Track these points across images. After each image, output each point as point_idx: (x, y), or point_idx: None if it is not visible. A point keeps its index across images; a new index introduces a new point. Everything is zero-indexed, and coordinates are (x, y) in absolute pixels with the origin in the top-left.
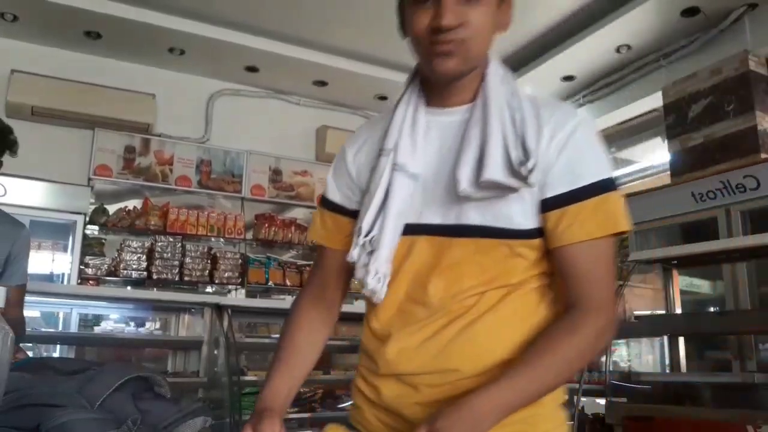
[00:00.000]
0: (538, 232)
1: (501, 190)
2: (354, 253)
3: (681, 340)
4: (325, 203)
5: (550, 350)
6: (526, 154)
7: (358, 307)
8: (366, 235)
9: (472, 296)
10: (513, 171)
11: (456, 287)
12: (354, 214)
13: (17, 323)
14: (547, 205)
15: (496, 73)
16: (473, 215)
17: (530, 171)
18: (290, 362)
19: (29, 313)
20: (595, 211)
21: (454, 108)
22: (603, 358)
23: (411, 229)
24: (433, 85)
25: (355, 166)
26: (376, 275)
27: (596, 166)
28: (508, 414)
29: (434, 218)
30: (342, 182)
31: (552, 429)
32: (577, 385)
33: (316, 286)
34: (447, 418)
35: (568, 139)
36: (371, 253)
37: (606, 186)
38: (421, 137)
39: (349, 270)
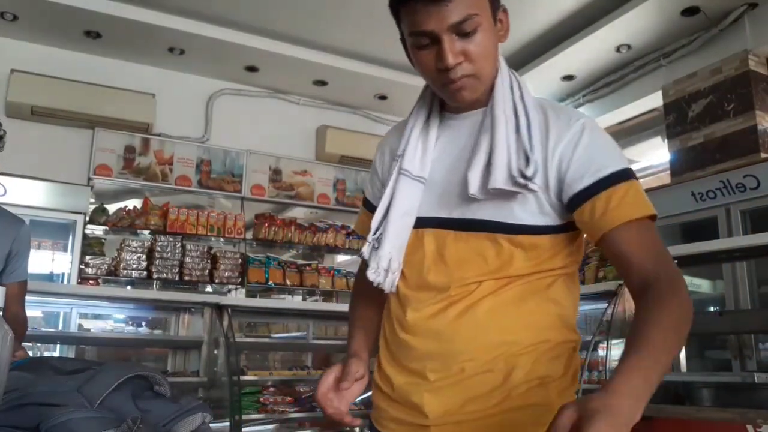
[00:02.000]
0: (547, 229)
1: (506, 194)
2: (364, 250)
3: None
4: (364, 202)
5: (659, 323)
6: (527, 160)
7: None
8: (374, 234)
9: (472, 283)
10: (515, 179)
11: (457, 275)
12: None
13: (18, 321)
14: (577, 201)
15: (504, 80)
16: (479, 211)
17: (530, 178)
18: (365, 327)
19: (29, 313)
20: (625, 196)
21: (468, 112)
22: (603, 358)
23: (421, 223)
24: None
25: (381, 166)
26: (377, 269)
27: (613, 158)
28: (653, 391)
29: (443, 212)
30: (373, 181)
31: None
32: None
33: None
34: (595, 402)
35: (579, 138)
36: (377, 249)
37: (628, 175)
38: (433, 141)
39: None
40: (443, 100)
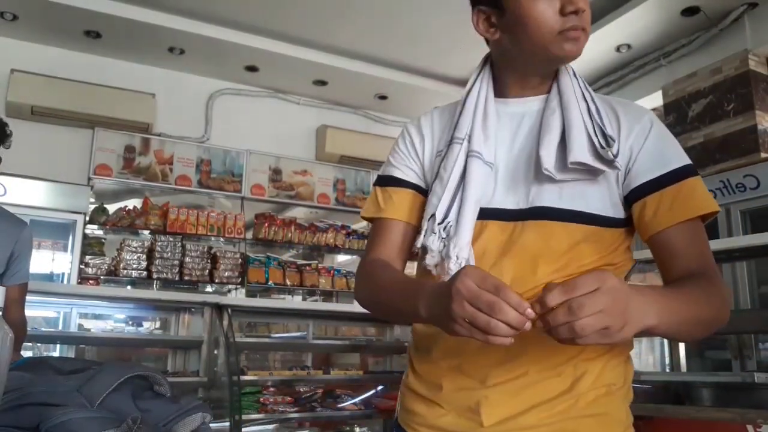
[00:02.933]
0: (614, 222)
1: (584, 173)
2: (429, 240)
3: None
4: (388, 181)
5: (696, 286)
6: (607, 140)
7: (358, 306)
8: (441, 222)
9: (542, 283)
10: (598, 155)
11: (528, 272)
12: (415, 188)
13: (19, 324)
14: (641, 192)
15: (567, 67)
16: (548, 197)
17: (615, 155)
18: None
19: (29, 312)
20: (692, 191)
21: (527, 98)
22: None
23: (482, 214)
24: (509, 76)
25: (422, 146)
26: (458, 261)
27: (680, 153)
28: (671, 321)
29: (506, 203)
30: (406, 159)
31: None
32: None
33: (384, 255)
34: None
35: (649, 131)
36: (448, 239)
37: (693, 171)
38: (493, 127)
39: (411, 245)
40: (496, 85)
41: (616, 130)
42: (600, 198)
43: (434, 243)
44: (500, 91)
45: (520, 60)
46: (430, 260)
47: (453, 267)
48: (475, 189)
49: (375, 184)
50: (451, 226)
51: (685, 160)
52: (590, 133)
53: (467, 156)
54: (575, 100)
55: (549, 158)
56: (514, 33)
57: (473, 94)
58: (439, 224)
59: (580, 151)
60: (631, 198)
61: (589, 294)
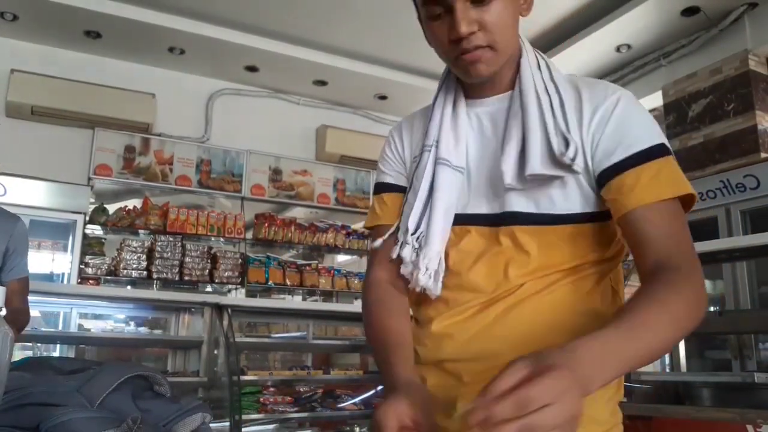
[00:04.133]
0: (589, 217)
1: (545, 180)
2: (403, 252)
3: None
4: (381, 188)
5: (656, 301)
6: (566, 142)
7: (357, 306)
8: (414, 233)
9: (515, 284)
10: (555, 161)
11: (501, 277)
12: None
13: (20, 312)
14: (605, 176)
15: (530, 60)
16: (517, 203)
17: (572, 159)
18: (403, 343)
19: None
20: (657, 173)
21: (492, 97)
22: None
23: (462, 219)
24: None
25: (403, 151)
26: (427, 272)
27: (647, 133)
28: (624, 368)
29: (480, 208)
30: (393, 164)
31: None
32: None
33: (387, 270)
34: (550, 358)
35: (613, 111)
36: (420, 249)
37: (662, 151)
38: (464, 129)
39: None
40: (464, 86)
41: (577, 120)
42: (568, 197)
43: (407, 253)
44: (468, 93)
45: None
46: (404, 269)
47: (422, 278)
48: (443, 197)
49: (373, 194)
50: (423, 236)
51: (652, 140)
52: (550, 136)
53: (435, 163)
54: (535, 99)
55: (509, 171)
56: None
57: (440, 99)
58: (412, 234)
59: (536, 163)
60: (599, 186)
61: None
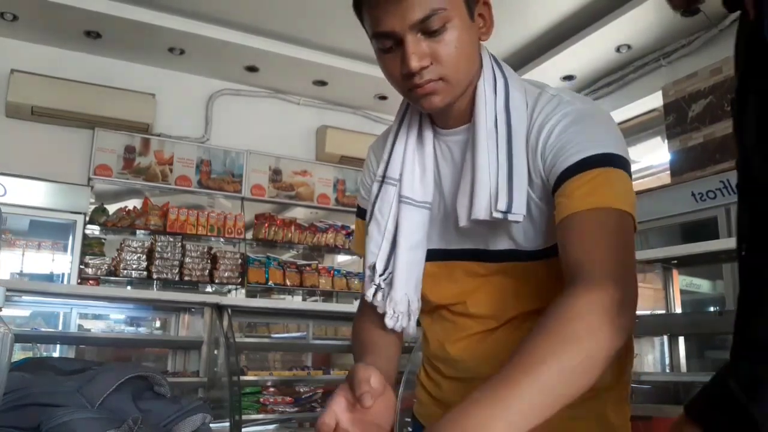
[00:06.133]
0: (542, 252)
1: (500, 221)
2: (369, 293)
3: (681, 339)
4: (360, 213)
5: (542, 346)
6: (510, 186)
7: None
8: (381, 274)
9: (514, 317)
10: (495, 209)
11: (499, 309)
12: None
13: None
14: (554, 192)
15: (487, 84)
16: (474, 240)
17: (503, 212)
18: (376, 352)
19: (29, 312)
20: (589, 182)
21: (456, 128)
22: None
23: (445, 255)
24: None
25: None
26: (394, 315)
27: (591, 142)
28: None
29: (464, 243)
30: (367, 188)
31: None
32: None
33: None
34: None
35: (553, 129)
36: (388, 292)
37: (606, 160)
38: (431, 161)
39: None
40: (429, 115)
41: (524, 148)
42: (522, 231)
43: (372, 296)
44: (437, 121)
45: None
46: (380, 311)
47: (389, 322)
48: (409, 235)
49: (356, 216)
50: (391, 277)
51: (596, 149)
52: (492, 184)
53: (398, 201)
54: (485, 136)
55: (463, 213)
56: None
57: (404, 128)
58: (380, 276)
59: (479, 209)
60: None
61: None
